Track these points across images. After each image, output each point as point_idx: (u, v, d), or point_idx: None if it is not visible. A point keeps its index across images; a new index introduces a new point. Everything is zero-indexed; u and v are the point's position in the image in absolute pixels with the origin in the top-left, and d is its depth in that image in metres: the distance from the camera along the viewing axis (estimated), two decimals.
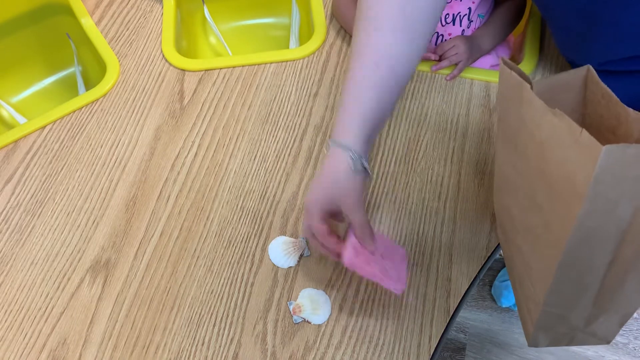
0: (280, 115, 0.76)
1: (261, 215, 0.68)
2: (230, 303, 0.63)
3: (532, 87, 0.40)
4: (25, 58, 0.97)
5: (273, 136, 0.75)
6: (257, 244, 0.66)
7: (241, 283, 0.64)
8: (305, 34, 0.95)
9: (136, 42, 0.85)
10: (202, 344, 0.60)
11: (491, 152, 0.72)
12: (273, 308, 0.62)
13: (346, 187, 0.52)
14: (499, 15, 0.82)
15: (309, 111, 0.77)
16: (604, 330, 0.45)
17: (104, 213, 0.69)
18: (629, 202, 0.34)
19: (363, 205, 0.53)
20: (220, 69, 0.81)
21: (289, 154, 0.73)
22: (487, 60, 0.83)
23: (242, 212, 0.69)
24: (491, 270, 1.32)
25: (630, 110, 0.40)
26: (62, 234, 0.68)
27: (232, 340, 0.61)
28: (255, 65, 0.81)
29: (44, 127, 0.77)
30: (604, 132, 0.43)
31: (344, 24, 0.84)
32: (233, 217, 0.68)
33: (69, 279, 0.65)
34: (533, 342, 0.48)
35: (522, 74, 0.42)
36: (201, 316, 0.62)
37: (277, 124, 0.76)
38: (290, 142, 0.74)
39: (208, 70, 0.81)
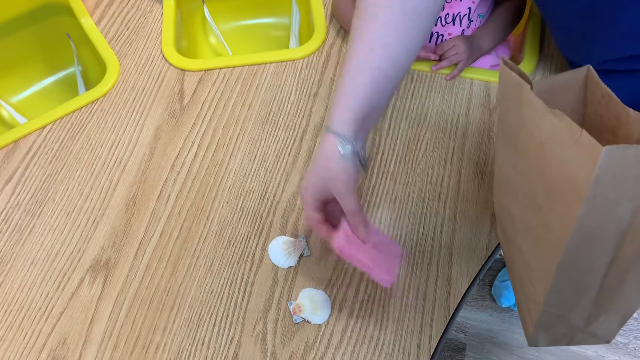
0: (280, 115, 0.77)
1: (261, 215, 0.68)
2: (230, 303, 0.63)
3: (532, 88, 0.40)
4: (25, 58, 0.97)
5: (273, 136, 0.75)
6: (257, 244, 0.66)
7: (241, 283, 0.64)
8: (305, 34, 0.95)
9: (136, 42, 0.85)
10: (202, 344, 0.60)
11: (491, 152, 0.72)
12: (273, 308, 0.62)
13: (337, 171, 0.52)
14: (498, 15, 0.82)
15: (309, 111, 0.77)
16: (604, 330, 0.45)
17: (104, 213, 0.69)
18: (629, 202, 0.34)
19: (355, 191, 0.52)
20: (220, 69, 0.81)
21: (289, 154, 0.73)
22: (487, 60, 0.83)
23: (242, 212, 0.69)
24: (491, 270, 1.32)
25: (631, 110, 0.40)
26: (62, 233, 0.68)
27: (232, 340, 0.61)
28: (255, 65, 0.81)
29: (44, 127, 0.77)
30: (604, 133, 0.43)
31: (343, 24, 0.84)
32: (233, 217, 0.68)
33: (69, 279, 0.65)
34: (533, 342, 0.48)
35: (522, 74, 0.42)
36: (201, 316, 0.62)
37: (277, 124, 0.76)
38: (290, 142, 0.74)
39: (208, 70, 0.81)
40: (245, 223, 0.68)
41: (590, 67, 0.43)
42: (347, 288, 0.63)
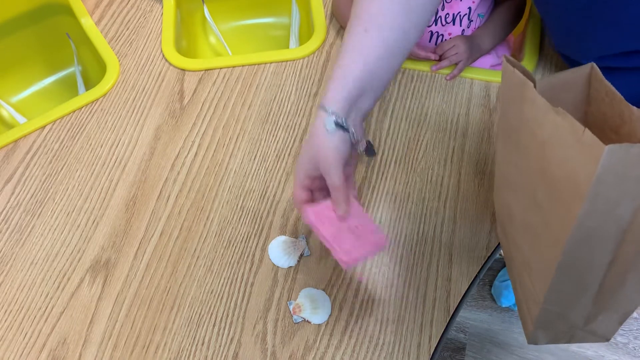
0: (280, 115, 0.76)
1: (261, 215, 0.68)
2: (230, 303, 0.63)
3: (535, 86, 0.40)
4: (25, 58, 0.97)
5: (273, 136, 0.75)
6: (257, 244, 0.66)
7: (241, 283, 0.64)
8: (305, 34, 0.95)
9: (136, 41, 0.85)
10: (202, 344, 0.60)
11: (491, 152, 0.72)
12: (273, 308, 0.62)
13: (323, 146, 0.52)
14: (499, 14, 0.82)
15: (309, 111, 0.77)
16: (603, 328, 0.45)
17: (104, 213, 0.69)
18: (630, 201, 0.34)
19: (340, 167, 0.52)
20: (220, 68, 0.81)
21: (289, 154, 0.73)
22: (487, 60, 0.83)
23: (242, 211, 0.69)
24: (491, 270, 1.32)
25: (634, 108, 0.40)
26: (62, 233, 0.68)
27: (232, 340, 0.61)
28: (255, 65, 0.81)
29: (44, 127, 0.77)
30: (607, 131, 0.43)
31: (343, 24, 0.84)
32: (233, 217, 0.68)
33: (69, 279, 0.65)
34: (532, 340, 0.48)
35: (525, 72, 0.42)
36: (201, 316, 0.62)
37: (277, 124, 0.76)
38: (290, 141, 0.74)
39: (208, 70, 0.81)
40: (245, 223, 0.68)
41: (594, 64, 0.43)
42: (347, 288, 0.63)
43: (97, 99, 0.79)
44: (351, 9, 0.55)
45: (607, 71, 0.43)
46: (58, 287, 0.64)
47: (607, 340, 0.46)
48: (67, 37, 0.95)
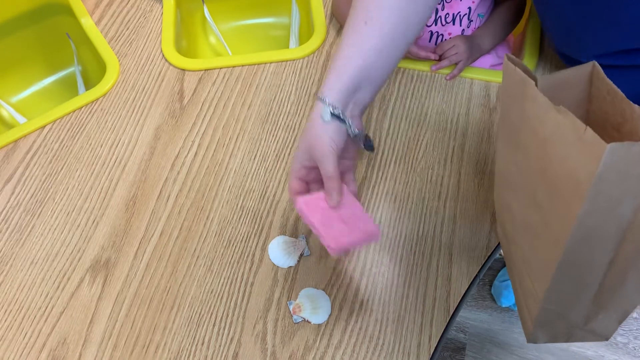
0: (280, 114, 0.76)
1: (261, 215, 0.68)
2: (230, 302, 0.63)
3: (536, 84, 0.40)
4: (25, 58, 0.97)
5: (273, 136, 0.75)
6: (257, 244, 0.66)
7: (241, 283, 0.64)
8: (305, 34, 0.95)
9: (136, 41, 0.85)
10: (202, 344, 0.60)
11: (491, 152, 0.72)
12: (273, 308, 0.62)
13: (317, 135, 0.52)
14: (498, 14, 0.82)
15: (309, 111, 0.76)
16: (602, 327, 0.45)
17: (103, 213, 0.69)
18: (631, 200, 0.34)
19: (334, 157, 0.52)
20: (220, 68, 0.81)
21: (289, 154, 0.73)
22: (487, 59, 0.83)
23: (242, 211, 0.69)
24: (491, 270, 1.32)
25: (636, 107, 0.40)
26: (62, 233, 0.68)
27: (232, 339, 0.61)
28: (255, 65, 0.81)
29: (43, 127, 0.77)
30: (609, 130, 0.43)
31: (343, 24, 0.83)
32: (233, 217, 0.68)
33: (68, 279, 0.65)
34: (532, 339, 0.48)
35: (526, 70, 0.42)
36: (201, 316, 0.62)
37: (277, 124, 0.76)
38: (290, 141, 0.74)
39: (208, 70, 0.81)
40: (245, 223, 0.68)
41: (596, 62, 0.43)
42: (347, 288, 0.63)
43: (97, 99, 0.79)
44: (352, 1, 0.55)
45: (608, 69, 0.43)
46: (58, 287, 0.64)
47: (607, 339, 0.46)
48: (67, 37, 0.95)
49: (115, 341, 0.61)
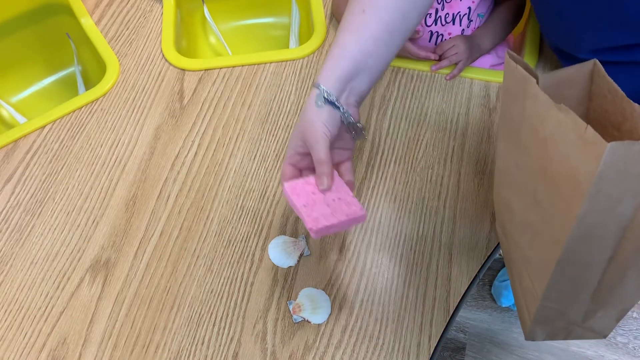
0: (280, 114, 0.77)
1: (261, 215, 0.68)
2: (230, 302, 0.63)
3: (537, 82, 0.40)
4: (25, 58, 0.97)
5: (273, 135, 0.75)
6: (257, 244, 0.66)
7: (241, 282, 0.64)
8: (305, 34, 0.95)
9: (136, 41, 0.85)
10: (202, 344, 0.60)
11: (491, 152, 0.72)
12: (273, 307, 0.62)
13: (310, 120, 0.52)
14: (498, 14, 0.82)
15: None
16: (601, 325, 0.45)
17: (103, 212, 0.69)
18: (631, 199, 0.34)
19: (326, 142, 0.52)
20: (220, 68, 0.81)
21: None
22: (487, 59, 0.83)
23: (242, 211, 0.69)
24: (491, 270, 1.32)
25: (636, 105, 0.40)
26: (62, 233, 0.68)
27: (232, 339, 0.61)
28: (255, 65, 0.81)
29: (43, 127, 0.77)
30: (609, 128, 0.43)
31: None
32: (233, 217, 0.68)
33: (68, 279, 0.65)
34: (530, 336, 0.48)
35: (527, 68, 0.42)
36: (201, 315, 0.62)
37: (277, 124, 0.76)
38: None
39: (208, 69, 0.81)
40: (245, 223, 0.68)
41: (597, 60, 0.43)
42: (347, 288, 0.63)
43: (97, 99, 0.79)
44: None
45: (607, 66, 0.43)
46: (58, 286, 0.64)
47: (605, 336, 0.46)
48: (67, 37, 0.95)
49: (115, 341, 0.61)
